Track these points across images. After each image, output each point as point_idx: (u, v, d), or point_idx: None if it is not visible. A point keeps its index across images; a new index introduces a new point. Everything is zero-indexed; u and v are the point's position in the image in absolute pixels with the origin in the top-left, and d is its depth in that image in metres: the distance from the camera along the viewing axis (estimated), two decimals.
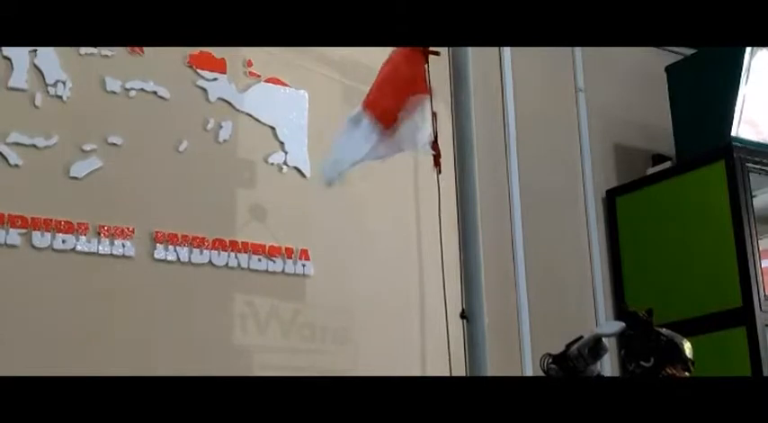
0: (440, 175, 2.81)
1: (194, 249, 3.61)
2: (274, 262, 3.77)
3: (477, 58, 3.04)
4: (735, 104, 4.47)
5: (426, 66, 2.88)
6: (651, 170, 4.87)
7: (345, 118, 2.95)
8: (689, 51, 5.15)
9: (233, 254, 3.68)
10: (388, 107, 2.90)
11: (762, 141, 4.56)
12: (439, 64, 2.93)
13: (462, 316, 2.75)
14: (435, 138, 2.85)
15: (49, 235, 3.34)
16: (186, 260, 3.58)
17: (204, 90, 3.81)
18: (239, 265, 3.69)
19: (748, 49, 4.51)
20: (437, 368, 3.73)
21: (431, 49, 2.89)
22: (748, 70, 4.52)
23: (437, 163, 2.86)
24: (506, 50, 4.69)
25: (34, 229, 3.32)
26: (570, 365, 2.60)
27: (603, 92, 5.05)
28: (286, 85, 4.00)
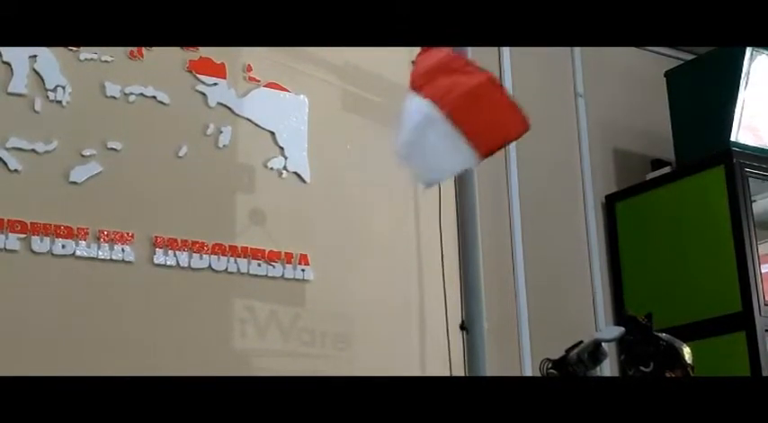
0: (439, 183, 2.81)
1: (194, 254, 3.60)
2: (274, 267, 3.77)
3: (476, 62, 3.03)
4: (734, 109, 4.47)
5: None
6: (651, 175, 4.87)
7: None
8: (688, 56, 5.16)
9: (232, 259, 3.68)
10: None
11: (761, 146, 4.56)
12: None
13: (462, 327, 2.75)
14: None
15: (48, 240, 3.34)
16: (186, 265, 3.58)
17: (204, 95, 3.80)
18: (239, 270, 3.68)
19: (747, 54, 4.51)
20: (436, 373, 3.73)
21: None
22: (747, 75, 4.52)
23: None
24: (506, 56, 4.68)
25: (34, 234, 3.32)
26: (570, 370, 2.60)
27: (603, 97, 5.05)
28: (286, 90, 4.00)
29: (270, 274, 3.75)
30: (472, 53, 2.98)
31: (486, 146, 2.74)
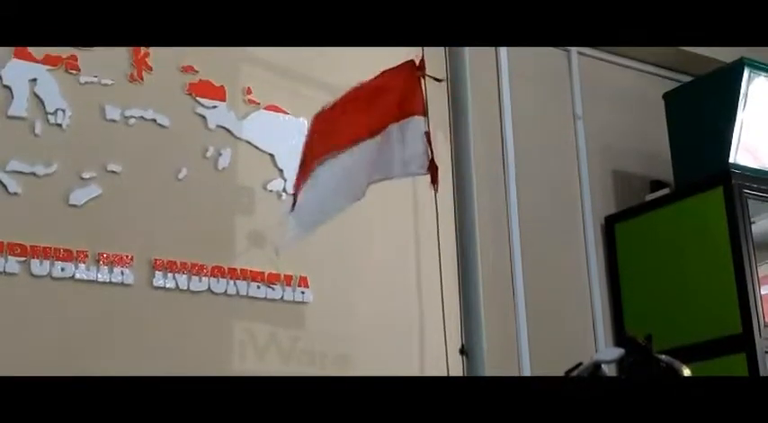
0: (438, 204, 2.80)
1: (193, 277, 3.61)
2: (273, 289, 3.76)
3: (475, 85, 3.04)
4: (733, 131, 4.48)
5: (423, 87, 2.87)
6: (650, 197, 4.88)
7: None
8: (686, 78, 5.17)
9: (232, 281, 3.68)
10: (373, 125, 2.91)
11: (760, 167, 4.56)
12: (437, 90, 2.94)
13: (462, 352, 2.72)
14: (432, 158, 2.84)
15: (48, 263, 3.34)
16: (185, 287, 3.58)
17: (203, 117, 3.82)
18: (238, 292, 3.68)
19: (745, 76, 4.52)
20: None
21: (434, 76, 2.89)
22: (746, 96, 4.53)
23: (434, 181, 2.84)
24: (504, 79, 4.69)
25: (33, 257, 3.32)
26: None
27: (602, 119, 5.06)
28: (285, 112, 4.01)
29: (269, 297, 3.75)
30: (470, 80, 2.98)
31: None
